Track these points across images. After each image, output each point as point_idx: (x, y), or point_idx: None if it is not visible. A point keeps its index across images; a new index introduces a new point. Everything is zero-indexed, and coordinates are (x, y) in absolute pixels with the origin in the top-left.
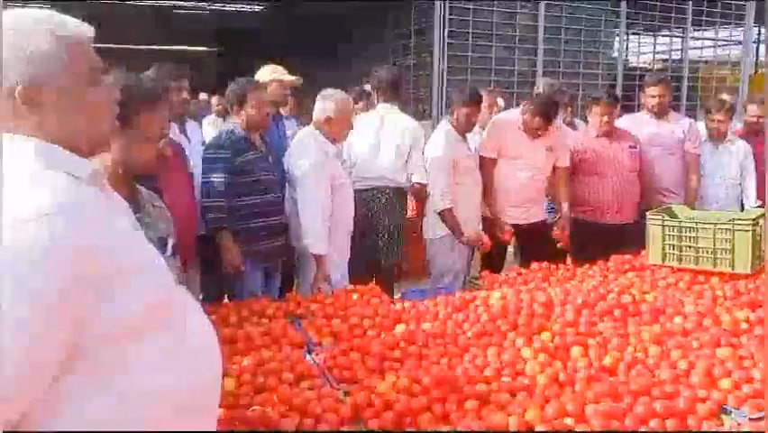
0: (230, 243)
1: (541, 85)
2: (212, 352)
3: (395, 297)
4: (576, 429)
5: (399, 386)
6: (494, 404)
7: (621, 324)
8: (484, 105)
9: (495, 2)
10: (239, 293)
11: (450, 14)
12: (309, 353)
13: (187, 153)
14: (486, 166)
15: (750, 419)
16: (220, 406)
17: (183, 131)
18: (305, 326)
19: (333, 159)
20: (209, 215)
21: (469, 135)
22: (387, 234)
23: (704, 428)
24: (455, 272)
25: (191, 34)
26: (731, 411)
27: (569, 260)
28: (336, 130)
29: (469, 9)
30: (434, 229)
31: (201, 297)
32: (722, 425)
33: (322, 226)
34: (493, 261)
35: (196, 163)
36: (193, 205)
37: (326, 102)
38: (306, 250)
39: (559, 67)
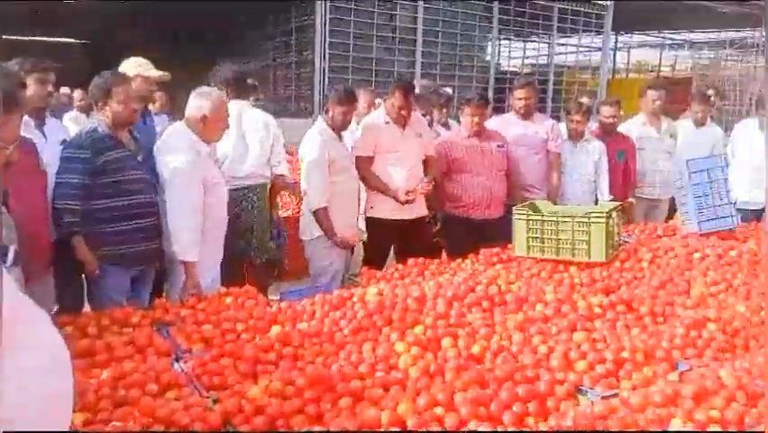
0: (83, 248)
1: (417, 87)
2: (61, 367)
3: (272, 298)
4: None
5: (272, 389)
6: (368, 400)
7: (489, 314)
8: (364, 104)
9: (375, 1)
10: (99, 301)
11: (331, 13)
12: (177, 361)
13: (41, 152)
14: (363, 165)
15: (602, 398)
16: (75, 423)
17: (40, 126)
18: (173, 333)
19: (206, 158)
20: (61, 218)
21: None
22: (259, 232)
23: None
24: (333, 272)
25: (59, 25)
26: (587, 391)
27: (444, 254)
28: (211, 129)
29: (350, 9)
30: (310, 229)
31: (56, 306)
32: (578, 404)
33: (192, 232)
34: (375, 257)
35: (51, 162)
36: (45, 207)
37: (202, 100)
38: (175, 256)
39: (436, 69)
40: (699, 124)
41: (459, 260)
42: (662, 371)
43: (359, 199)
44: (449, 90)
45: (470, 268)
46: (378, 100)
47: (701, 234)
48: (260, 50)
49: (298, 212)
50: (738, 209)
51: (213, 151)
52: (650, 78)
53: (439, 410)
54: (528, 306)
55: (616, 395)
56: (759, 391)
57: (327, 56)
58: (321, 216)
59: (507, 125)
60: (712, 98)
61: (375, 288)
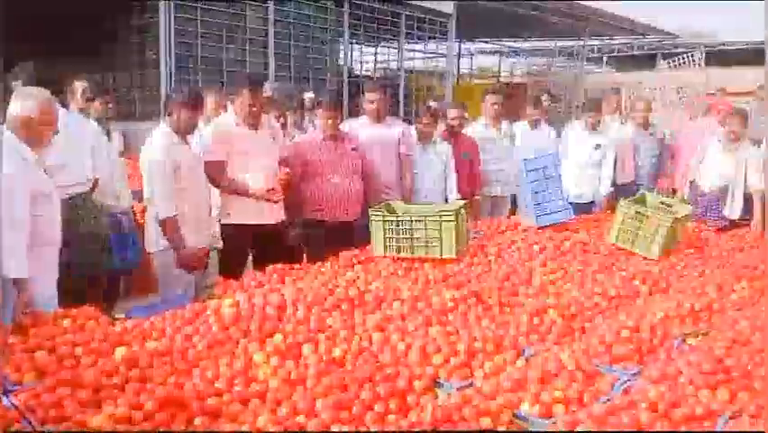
0: None
1: (269, 89)
2: None
3: (119, 316)
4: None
5: (118, 416)
6: (225, 417)
7: (349, 316)
8: (211, 105)
9: (224, 2)
10: None
11: (176, 13)
12: (6, 395)
13: None
14: (215, 170)
15: (458, 389)
16: None
17: None
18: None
19: (34, 167)
20: None
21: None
22: (90, 244)
23: None
24: (185, 284)
25: None
26: (443, 384)
27: (304, 259)
28: (38, 133)
29: (196, 8)
30: (156, 241)
31: None
32: (436, 397)
33: (20, 246)
34: (231, 266)
35: None
36: None
37: (26, 101)
38: (3, 274)
39: (290, 71)
40: (534, 125)
41: (319, 263)
42: (510, 358)
43: (209, 207)
44: (311, 94)
45: (330, 271)
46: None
47: (540, 228)
48: (105, 52)
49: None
50: (570, 203)
51: (41, 158)
52: (489, 84)
53: (301, 419)
54: (386, 305)
55: (470, 385)
56: (596, 371)
57: (173, 57)
58: (169, 226)
59: (360, 128)
60: (545, 102)
61: (230, 299)
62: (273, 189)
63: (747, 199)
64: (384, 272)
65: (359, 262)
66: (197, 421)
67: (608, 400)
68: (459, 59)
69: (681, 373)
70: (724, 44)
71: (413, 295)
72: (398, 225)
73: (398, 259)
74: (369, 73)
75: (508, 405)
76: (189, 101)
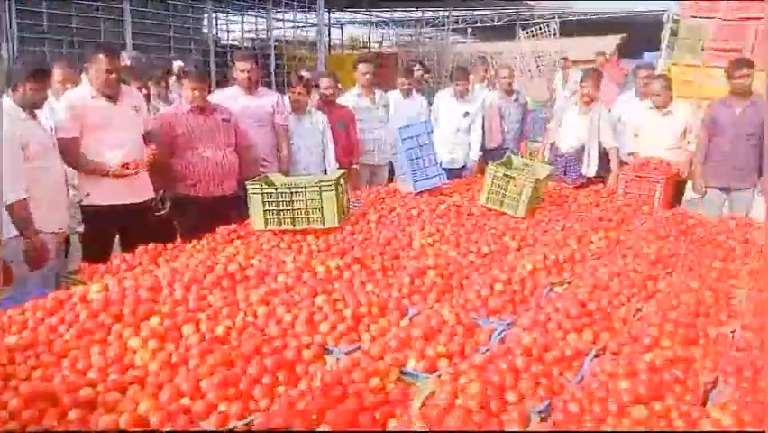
0: None
1: (126, 58)
2: None
3: None
4: None
5: None
6: (102, 406)
7: (231, 292)
8: (58, 78)
9: None
10: None
11: None
12: None
13: None
14: (70, 147)
15: (346, 354)
16: None
17: None
18: None
19: None
20: None
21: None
22: None
23: None
24: (44, 273)
25: None
26: (332, 350)
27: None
28: None
29: None
30: (6, 227)
31: None
32: (325, 364)
33: None
34: (96, 250)
35: None
36: None
37: None
38: None
39: (147, 40)
40: (406, 95)
41: (194, 241)
42: (395, 319)
43: (67, 188)
44: (180, 62)
45: (207, 248)
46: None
47: (417, 193)
48: None
49: None
50: (443, 168)
51: None
52: (361, 53)
53: (185, 401)
54: (270, 278)
55: (358, 348)
56: (474, 324)
57: (14, 22)
58: (18, 209)
59: (231, 99)
60: (417, 72)
61: (98, 284)
62: (128, 164)
63: (602, 158)
64: (266, 246)
65: (238, 238)
66: (71, 415)
67: (487, 349)
68: (329, 29)
69: (550, 320)
70: (576, 15)
71: (297, 267)
72: (278, 198)
73: (280, 232)
74: (236, 43)
75: (395, 364)
76: (34, 73)
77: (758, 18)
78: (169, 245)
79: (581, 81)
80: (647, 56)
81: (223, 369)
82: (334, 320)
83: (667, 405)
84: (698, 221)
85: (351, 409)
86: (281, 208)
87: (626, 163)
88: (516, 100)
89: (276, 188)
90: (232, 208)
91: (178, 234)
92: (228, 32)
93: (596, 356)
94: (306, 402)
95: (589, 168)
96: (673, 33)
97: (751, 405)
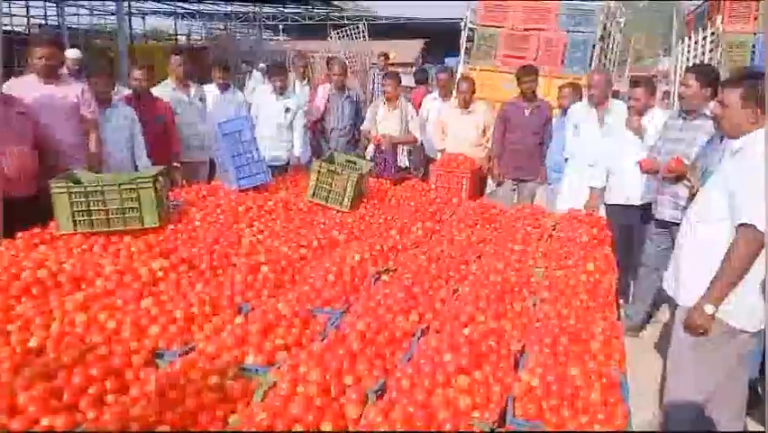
0: None
1: None
2: None
3: None
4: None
5: None
6: None
7: (42, 300)
8: None
9: None
10: None
11: None
12: None
13: None
14: None
15: (180, 355)
16: None
17: None
18: None
19: None
20: None
21: None
22: None
23: None
24: None
25: None
26: (164, 353)
27: None
28: None
29: None
30: None
31: None
32: (157, 368)
33: None
34: None
35: None
36: None
37: None
38: None
39: None
40: (224, 89)
41: None
42: (229, 316)
43: None
44: None
45: (8, 255)
46: None
47: (242, 190)
48: None
49: None
50: (268, 165)
51: None
52: (172, 45)
53: (2, 418)
54: (87, 283)
55: (193, 349)
56: (310, 315)
57: None
58: None
59: (27, 89)
60: (242, 66)
61: None
62: None
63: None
64: (77, 250)
65: (44, 242)
66: None
67: (324, 338)
68: (130, 18)
69: (380, 305)
70: (384, 19)
71: (117, 270)
72: (88, 197)
73: (93, 234)
74: (23, 29)
75: (234, 361)
76: None
77: (540, 29)
78: None
79: (382, 81)
80: (448, 60)
81: (42, 381)
82: (164, 322)
83: (485, 373)
84: (499, 210)
85: (189, 409)
86: (93, 209)
87: (435, 160)
88: (349, 97)
89: (85, 187)
90: (30, 211)
91: None
92: (11, 16)
93: (422, 335)
94: (141, 407)
95: (404, 161)
96: (470, 40)
97: (553, 367)
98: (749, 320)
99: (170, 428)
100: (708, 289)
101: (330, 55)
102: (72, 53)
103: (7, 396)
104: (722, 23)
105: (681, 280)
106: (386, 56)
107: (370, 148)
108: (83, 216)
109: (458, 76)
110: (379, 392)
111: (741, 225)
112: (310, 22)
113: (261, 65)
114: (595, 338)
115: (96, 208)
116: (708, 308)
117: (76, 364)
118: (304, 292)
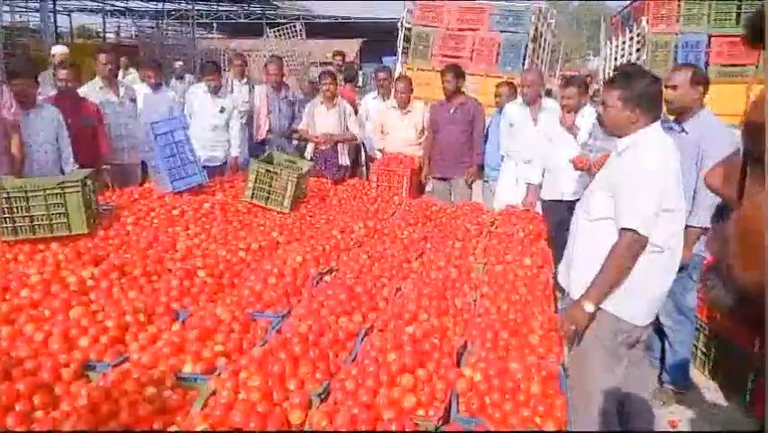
0: None
1: None
2: None
3: None
4: None
5: None
6: None
7: None
8: None
9: None
10: None
11: None
12: None
13: None
14: None
15: (113, 367)
16: None
17: None
18: None
19: None
20: None
21: None
22: None
23: None
24: None
25: None
26: (95, 365)
27: None
28: None
29: None
30: None
31: None
32: (89, 381)
33: None
34: None
35: None
36: None
37: None
38: None
39: None
40: (155, 89)
41: None
42: (165, 324)
43: None
44: None
45: None
46: None
47: (176, 193)
48: None
49: None
50: (203, 166)
51: None
52: (99, 43)
53: None
54: (11, 294)
55: (126, 360)
56: (250, 319)
57: None
58: None
59: None
60: (176, 64)
61: None
62: None
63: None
64: (0, 259)
65: None
66: None
67: (265, 342)
68: (56, 15)
69: (323, 306)
70: (320, 18)
71: (43, 279)
72: (11, 203)
73: (16, 242)
74: None
75: (171, 370)
76: None
77: (474, 30)
78: None
79: (320, 81)
80: (386, 59)
81: None
82: (95, 333)
83: (429, 370)
84: (439, 208)
85: (124, 422)
86: (16, 215)
87: (375, 158)
88: (286, 97)
89: (8, 193)
90: None
91: None
92: None
93: (366, 335)
94: (72, 423)
95: (345, 159)
96: (407, 40)
97: (494, 362)
98: (629, 312)
99: None
100: (590, 287)
101: (271, 54)
102: None
103: None
104: (647, 23)
105: (572, 275)
106: (342, 55)
107: (310, 147)
108: (5, 222)
109: (396, 75)
110: (324, 395)
111: (622, 229)
112: (245, 20)
113: (178, 63)
114: (534, 332)
115: (19, 215)
116: (588, 307)
117: (1, 380)
118: (243, 296)
